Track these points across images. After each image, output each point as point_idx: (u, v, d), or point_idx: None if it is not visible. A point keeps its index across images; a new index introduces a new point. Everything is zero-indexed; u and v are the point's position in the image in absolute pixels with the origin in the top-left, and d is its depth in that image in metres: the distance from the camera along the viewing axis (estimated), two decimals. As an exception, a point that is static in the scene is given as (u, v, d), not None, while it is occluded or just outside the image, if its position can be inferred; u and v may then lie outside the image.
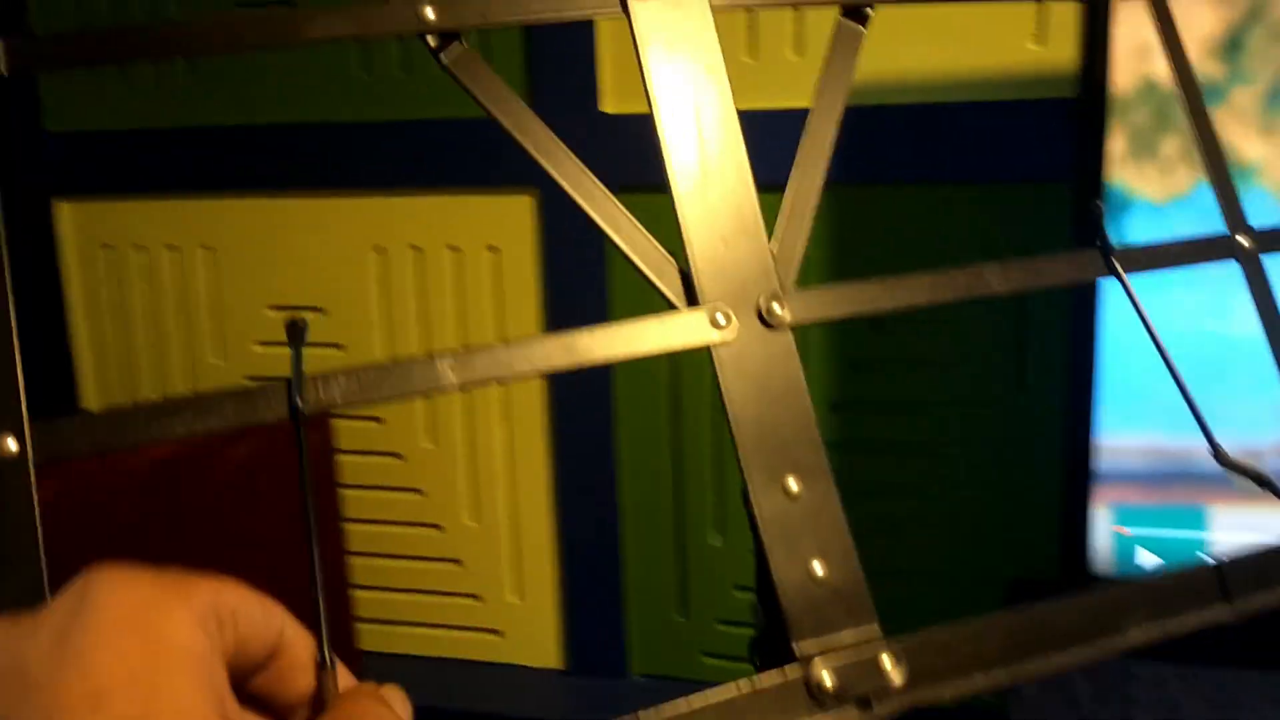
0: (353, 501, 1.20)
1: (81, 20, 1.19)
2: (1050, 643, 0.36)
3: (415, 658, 1.24)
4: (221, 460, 1.01)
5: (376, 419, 1.20)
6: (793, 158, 0.40)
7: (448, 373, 0.34)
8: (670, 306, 0.37)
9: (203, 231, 1.22)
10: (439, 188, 1.14)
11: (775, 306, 0.37)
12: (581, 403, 1.14)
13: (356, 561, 1.21)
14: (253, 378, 1.23)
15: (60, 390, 1.27)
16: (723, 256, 0.37)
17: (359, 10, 0.36)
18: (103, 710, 0.25)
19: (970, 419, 1.03)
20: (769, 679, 0.33)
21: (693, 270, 0.37)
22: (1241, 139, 0.76)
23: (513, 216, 1.12)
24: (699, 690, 0.33)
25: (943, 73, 0.96)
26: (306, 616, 0.33)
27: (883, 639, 0.35)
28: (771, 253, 0.38)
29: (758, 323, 0.37)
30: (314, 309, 1.20)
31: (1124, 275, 0.40)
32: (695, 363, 1.08)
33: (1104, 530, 0.84)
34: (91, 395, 1.28)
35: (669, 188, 0.37)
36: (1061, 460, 0.90)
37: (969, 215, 0.99)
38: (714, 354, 0.36)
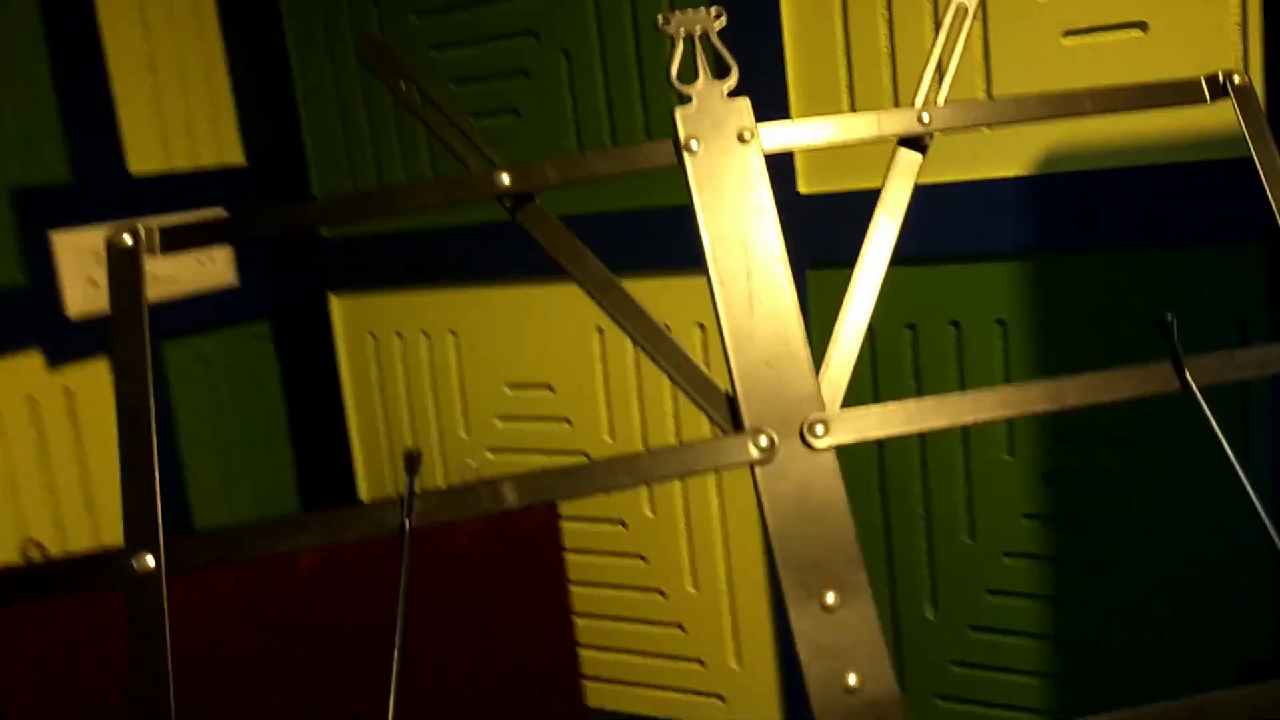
0: (576, 566, 1.28)
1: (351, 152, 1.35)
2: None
3: (642, 717, 1.30)
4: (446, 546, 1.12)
5: (620, 521, 1.27)
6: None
7: (509, 494, 0.39)
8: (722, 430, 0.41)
9: (448, 318, 1.34)
10: (653, 270, 1.20)
11: (818, 428, 0.39)
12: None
13: (583, 623, 1.28)
14: (494, 449, 1.34)
15: (338, 449, 1.43)
16: (768, 381, 0.40)
17: (446, 181, 0.42)
18: None
19: (1187, 499, 0.98)
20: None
21: (737, 396, 0.40)
22: None
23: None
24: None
25: (1127, 136, 0.93)
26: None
27: None
28: (819, 376, 0.40)
29: (800, 444, 0.40)
30: (545, 385, 1.29)
31: (1196, 389, 0.40)
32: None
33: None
34: (360, 450, 1.44)
35: (718, 319, 0.41)
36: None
37: (1165, 279, 0.95)
38: (755, 473, 0.39)
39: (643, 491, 1.25)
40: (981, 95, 0.99)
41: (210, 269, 1.37)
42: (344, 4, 1.31)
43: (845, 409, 0.40)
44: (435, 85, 1.28)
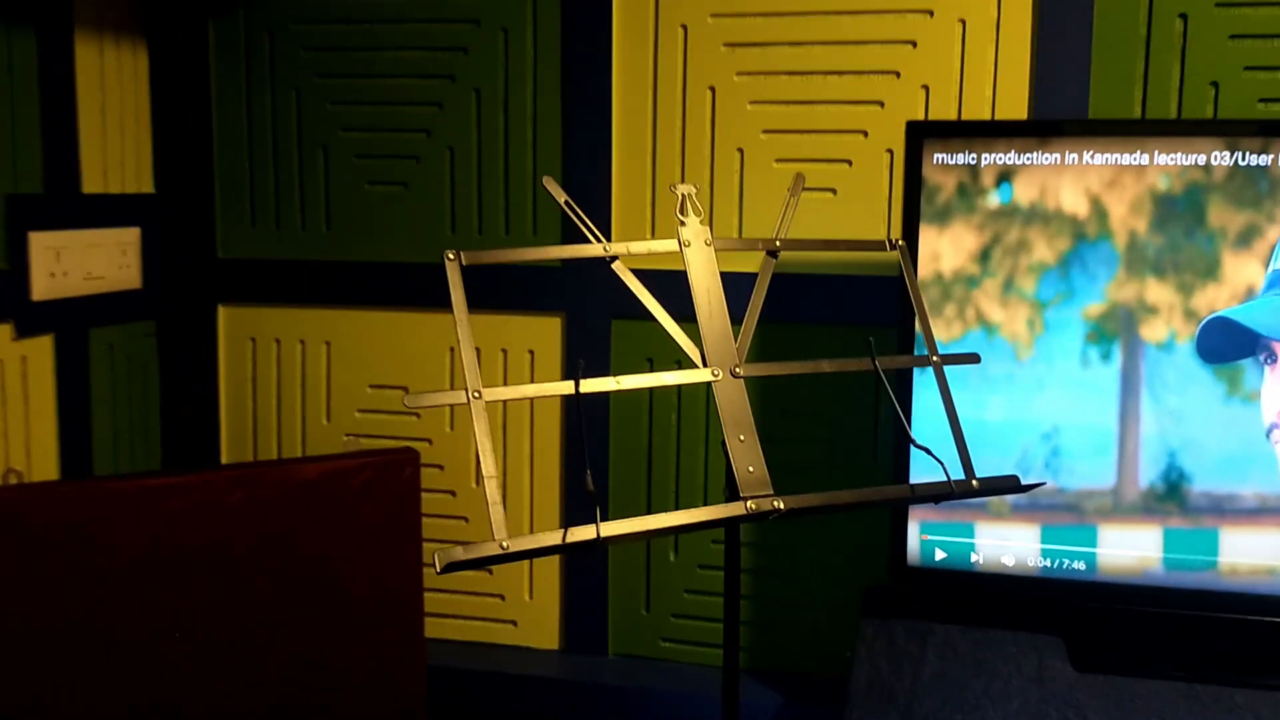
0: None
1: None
2: (837, 499, 0.91)
3: (458, 642, 1.75)
4: (347, 485, 1.53)
5: (439, 466, 1.73)
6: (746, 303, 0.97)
7: (611, 382, 0.89)
8: (692, 365, 0.93)
9: (324, 331, 1.75)
10: (496, 309, 1.69)
11: (737, 369, 0.93)
12: (581, 451, 1.68)
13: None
14: (351, 434, 1.76)
15: (205, 442, 1.78)
16: (718, 345, 0.93)
17: (569, 246, 0.92)
18: None
19: (840, 472, 1.60)
20: (729, 504, 0.88)
21: (704, 350, 0.93)
22: (989, 309, 1.36)
23: (547, 330, 1.68)
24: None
25: (830, 257, 1.56)
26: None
27: (775, 495, 0.90)
28: (737, 345, 0.94)
29: (729, 375, 0.93)
30: (402, 388, 1.73)
31: (880, 369, 0.97)
32: (666, 424, 1.64)
33: (915, 534, 1.40)
34: (227, 449, 1.79)
35: (697, 318, 0.94)
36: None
37: (848, 343, 1.57)
38: (712, 387, 0.92)
39: (472, 464, 1.72)
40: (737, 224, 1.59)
41: (127, 273, 1.71)
42: (266, 99, 1.72)
43: (748, 363, 0.94)
44: (339, 156, 1.72)
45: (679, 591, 1.68)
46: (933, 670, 1.31)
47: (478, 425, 0.82)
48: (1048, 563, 1.38)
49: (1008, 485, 0.97)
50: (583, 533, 0.81)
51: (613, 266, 0.93)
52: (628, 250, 0.93)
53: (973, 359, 1.04)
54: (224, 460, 1.81)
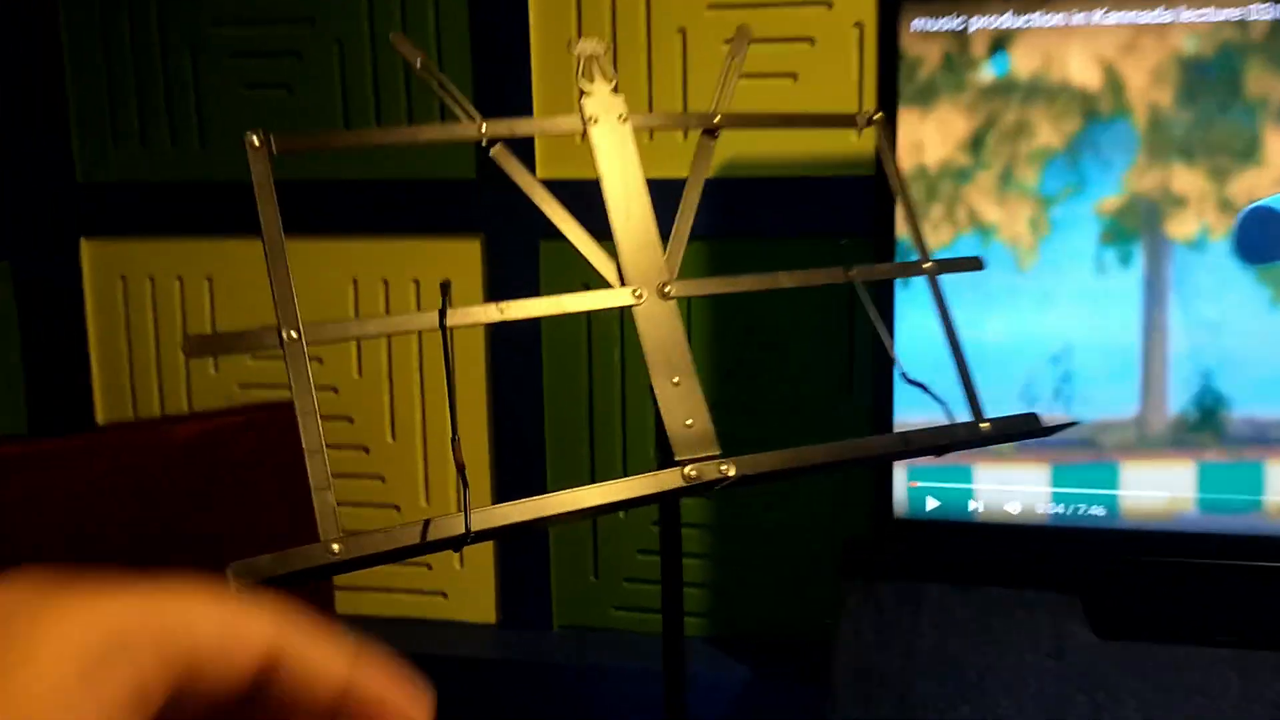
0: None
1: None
2: (807, 458, 0.68)
3: (378, 618, 1.52)
4: (231, 446, 1.29)
5: (347, 418, 1.48)
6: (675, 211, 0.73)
7: (495, 313, 0.65)
8: (608, 285, 0.69)
9: (205, 265, 1.50)
10: (404, 233, 1.44)
11: (666, 288, 0.69)
12: (516, 390, 1.44)
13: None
14: (243, 384, 1.51)
15: (77, 399, 1.53)
16: (638, 260, 0.69)
17: (445, 125, 0.67)
18: None
19: (807, 414, 1.37)
20: (662, 472, 0.65)
21: (621, 265, 0.69)
22: (984, 207, 1.12)
23: (464, 256, 1.43)
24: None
25: (789, 153, 1.31)
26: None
27: (721, 456, 0.66)
28: (665, 258, 0.70)
29: (657, 296, 0.69)
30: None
31: (856, 281, 0.74)
32: (608, 362, 1.40)
33: (902, 480, 1.18)
34: (102, 405, 1.54)
35: (610, 221, 0.69)
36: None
37: (809, 258, 1.33)
38: (633, 313, 0.68)
39: (385, 417, 1.48)
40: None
41: (-37, 206, 1.44)
42: (120, -27, 1.44)
43: (681, 279, 0.70)
44: (210, 56, 1.45)
45: (631, 553, 1.45)
46: (929, 644, 1.10)
47: (294, 378, 0.58)
48: (1060, 509, 1.16)
49: (1026, 427, 0.74)
50: (448, 526, 0.57)
51: (491, 153, 0.68)
52: (511, 131, 0.68)
53: (975, 264, 0.80)
54: (100, 421, 1.56)
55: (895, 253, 1.13)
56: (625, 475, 0.59)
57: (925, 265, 0.76)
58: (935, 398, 0.73)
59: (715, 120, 0.75)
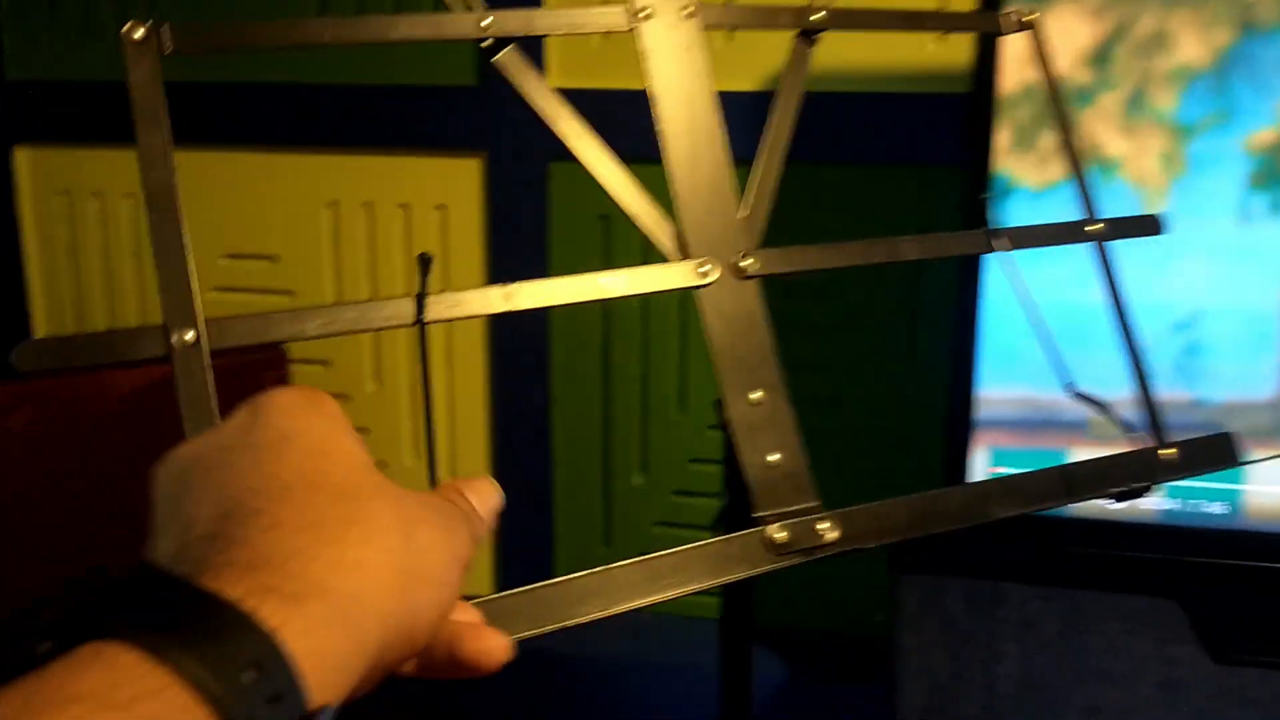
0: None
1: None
2: (939, 518, 0.48)
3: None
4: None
5: (324, 361, 1.28)
6: (755, 135, 0.51)
7: (499, 301, 0.45)
8: (664, 259, 0.48)
9: (159, 181, 1.28)
10: (392, 148, 1.22)
11: (747, 262, 0.48)
12: (518, 356, 1.24)
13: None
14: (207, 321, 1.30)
15: (14, 325, 1.32)
16: (705, 221, 0.48)
17: (434, 17, 0.46)
18: (292, 444, 0.32)
19: (869, 376, 1.16)
20: (737, 538, 0.45)
21: (683, 232, 0.48)
22: (1106, 137, 0.90)
23: (462, 178, 1.21)
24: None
25: (860, 66, 1.09)
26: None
27: (821, 508, 0.46)
28: (743, 219, 0.49)
29: (731, 275, 0.48)
30: (267, 257, 1.27)
31: (1007, 252, 0.53)
32: (626, 314, 1.20)
33: (981, 468, 0.98)
34: (43, 331, 1.34)
35: (663, 165, 0.48)
36: (947, 410, 1.04)
37: (881, 192, 1.12)
38: (697, 296, 0.47)
39: (368, 364, 1.28)
40: None
41: None
42: None
43: (763, 249, 0.49)
44: (160, -70, 1.21)
45: (647, 526, 1.27)
46: (1013, 668, 0.91)
47: (181, 386, 0.38)
48: (1173, 504, 0.96)
49: (1224, 453, 0.54)
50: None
51: (494, 61, 0.46)
52: (526, 26, 0.47)
53: (1153, 226, 0.59)
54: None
55: (988, 188, 0.92)
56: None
57: (1092, 227, 0.55)
58: (1115, 419, 0.52)
59: (817, 18, 0.53)
